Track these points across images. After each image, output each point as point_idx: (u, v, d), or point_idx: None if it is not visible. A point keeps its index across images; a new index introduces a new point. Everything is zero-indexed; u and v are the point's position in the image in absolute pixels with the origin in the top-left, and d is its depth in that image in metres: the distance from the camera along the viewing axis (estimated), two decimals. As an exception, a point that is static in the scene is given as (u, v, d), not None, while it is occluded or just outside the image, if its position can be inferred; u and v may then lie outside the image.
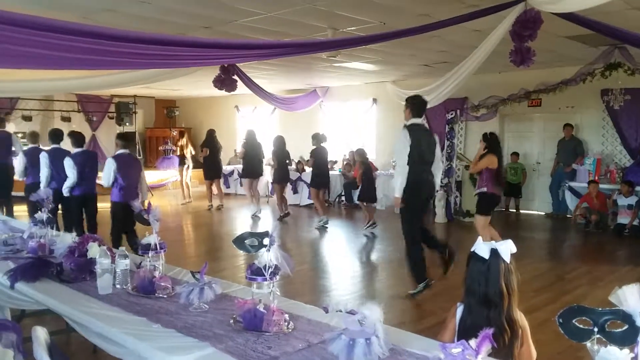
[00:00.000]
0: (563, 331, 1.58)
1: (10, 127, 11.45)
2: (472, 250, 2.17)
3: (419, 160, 5.23)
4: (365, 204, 9.18)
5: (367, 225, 8.91)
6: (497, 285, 2.10)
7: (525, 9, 4.51)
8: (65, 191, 6.51)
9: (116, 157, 6.28)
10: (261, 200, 11.14)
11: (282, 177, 10.28)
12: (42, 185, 6.57)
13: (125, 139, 6.74)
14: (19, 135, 12.43)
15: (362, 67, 10.23)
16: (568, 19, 4.81)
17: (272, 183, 10.80)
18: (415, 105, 5.46)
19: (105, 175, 6.21)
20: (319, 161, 9.60)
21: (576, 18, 4.81)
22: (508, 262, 2.12)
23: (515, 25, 4.58)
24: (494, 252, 2.11)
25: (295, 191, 12.25)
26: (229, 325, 2.22)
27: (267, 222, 10.21)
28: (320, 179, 9.69)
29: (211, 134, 11.62)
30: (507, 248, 2.12)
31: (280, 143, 10.15)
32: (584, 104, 10.14)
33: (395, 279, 6.34)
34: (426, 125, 5.59)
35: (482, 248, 2.13)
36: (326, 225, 9.42)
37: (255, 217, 10.47)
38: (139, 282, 2.70)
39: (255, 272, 2.17)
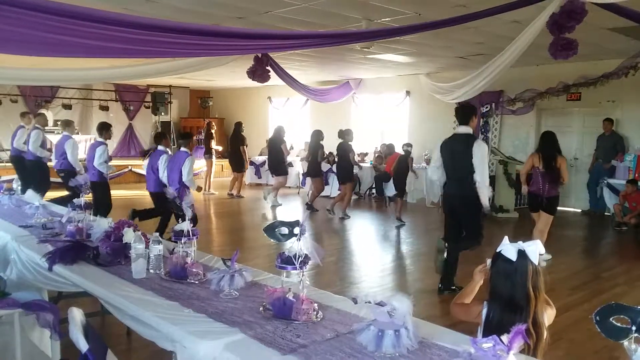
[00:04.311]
0: (600, 329, 1.54)
1: (48, 116, 11.74)
2: (497, 250, 2.07)
3: (447, 173, 5.26)
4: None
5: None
6: (524, 289, 2.00)
7: (566, -1, 4.36)
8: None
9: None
10: (288, 192, 11.28)
11: (309, 170, 10.49)
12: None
13: (182, 137, 7.15)
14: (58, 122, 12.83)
15: (395, 59, 10.12)
16: (611, 10, 4.64)
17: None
18: (456, 112, 5.44)
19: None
20: (339, 155, 9.68)
21: (619, 9, 4.64)
22: (536, 263, 2.02)
23: (557, 15, 4.41)
24: (522, 254, 2.01)
25: (326, 182, 12.26)
26: (258, 312, 2.24)
27: (287, 212, 10.26)
28: (338, 174, 9.80)
29: (235, 128, 12.09)
30: (535, 249, 2.02)
31: (312, 137, 10.24)
32: (626, 99, 9.81)
33: (424, 272, 6.28)
34: (466, 132, 5.18)
35: (508, 249, 2.03)
36: (348, 216, 9.57)
37: (272, 205, 10.70)
38: (171, 268, 2.75)
39: (286, 261, 2.18)
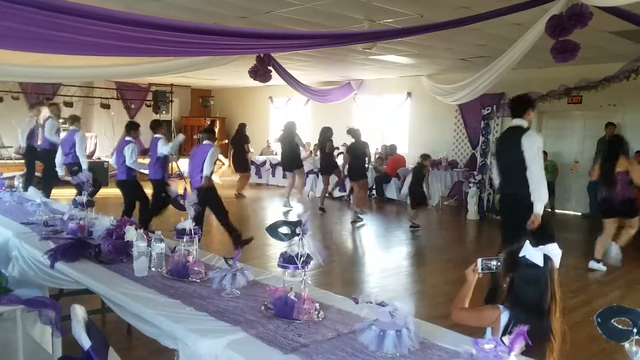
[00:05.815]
0: (601, 331, 1.54)
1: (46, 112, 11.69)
2: (520, 255, 2.02)
3: (499, 170, 4.88)
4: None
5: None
6: (550, 293, 1.99)
7: (570, 3, 4.37)
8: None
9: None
10: (294, 192, 11.18)
11: (321, 168, 10.46)
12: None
13: (207, 131, 7.08)
14: (60, 120, 12.80)
15: (397, 60, 10.13)
16: (613, 13, 4.65)
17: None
18: (509, 105, 5.09)
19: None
20: (351, 154, 9.51)
21: (621, 13, 4.65)
22: (557, 266, 2.01)
23: (564, 18, 4.40)
24: (546, 258, 1.99)
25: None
26: (260, 311, 2.24)
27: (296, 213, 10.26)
28: (350, 173, 9.65)
29: (239, 128, 12.12)
30: (558, 252, 2.01)
31: (321, 134, 10.17)
32: (627, 102, 9.82)
33: (427, 274, 6.29)
34: (518, 125, 4.64)
35: (534, 254, 1.98)
36: (360, 218, 9.35)
37: (286, 210, 10.46)
38: (173, 266, 2.75)
39: (288, 260, 2.18)
